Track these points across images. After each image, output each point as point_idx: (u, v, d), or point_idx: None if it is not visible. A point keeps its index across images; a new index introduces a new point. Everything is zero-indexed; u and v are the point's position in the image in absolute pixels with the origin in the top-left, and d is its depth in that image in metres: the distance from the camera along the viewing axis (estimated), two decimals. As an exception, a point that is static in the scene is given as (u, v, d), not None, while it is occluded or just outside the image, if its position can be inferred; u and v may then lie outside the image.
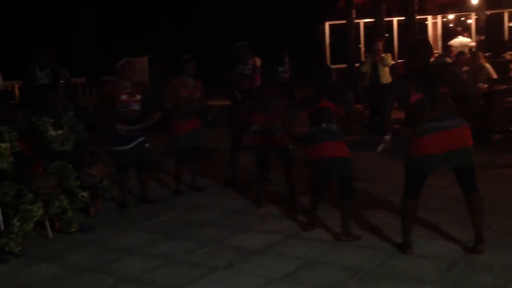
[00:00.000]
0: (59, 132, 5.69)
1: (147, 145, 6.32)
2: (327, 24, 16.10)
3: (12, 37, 19.61)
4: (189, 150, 6.75)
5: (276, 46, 16.01)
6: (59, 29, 18.57)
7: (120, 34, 21.12)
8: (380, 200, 5.97)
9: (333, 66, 15.69)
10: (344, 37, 14.78)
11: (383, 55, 10.31)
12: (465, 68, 9.20)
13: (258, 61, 12.31)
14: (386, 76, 10.31)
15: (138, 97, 6.20)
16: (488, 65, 9.11)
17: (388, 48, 14.13)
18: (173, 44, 21.12)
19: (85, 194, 5.50)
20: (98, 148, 6.56)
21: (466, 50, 11.94)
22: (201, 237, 5.23)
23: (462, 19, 16.58)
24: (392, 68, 11.16)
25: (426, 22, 16.03)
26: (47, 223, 5.27)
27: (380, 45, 10.42)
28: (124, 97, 6.11)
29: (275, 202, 6.26)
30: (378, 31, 12.64)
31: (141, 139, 6.24)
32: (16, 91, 11.38)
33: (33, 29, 19.58)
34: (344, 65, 14.33)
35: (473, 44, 13.61)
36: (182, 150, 6.71)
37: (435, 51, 14.28)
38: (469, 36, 14.31)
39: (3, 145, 5.09)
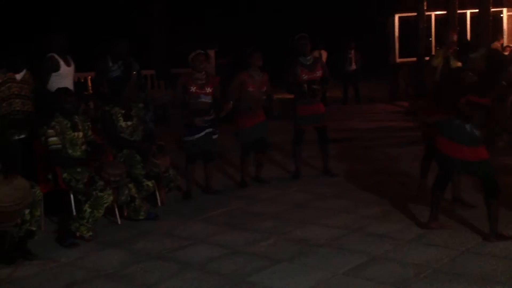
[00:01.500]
0: (129, 123, 5.87)
1: (214, 137, 6.39)
2: (396, 16, 15.75)
3: (87, 29, 20.29)
4: (254, 143, 6.79)
5: (344, 39, 15.85)
6: (132, 23, 19.04)
7: (188, 27, 21.44)
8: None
9: (402, 60, 15.45)
10: (414, 29, 14.39)
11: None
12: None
13: (324, 54, 12.15)
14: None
15: (209, 89, 6.25)
16: None
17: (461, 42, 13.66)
18: (238, 36, 21.26)
19: (150, 183, 5.64)
20: (165, 139, 6.68)
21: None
22: (265, 229, 5.25)
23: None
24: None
25: (501, 15, 15.38)
26: (116, 210, 5.44)
27: (453, 37, 10.06)
28: (194, 88, 6.19)
29: (339, 196, 6.22)
30: (450, 23, 12.22)
31: (209, 130, 6.32)
32: (89, 82, 11.80)
33: (107, 22, 20.17)
34: (413, 59, 13.97)
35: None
36: (247, 143, 6.76)
37: (509, 45, 13.68)
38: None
39: (77, 134, 5.30)
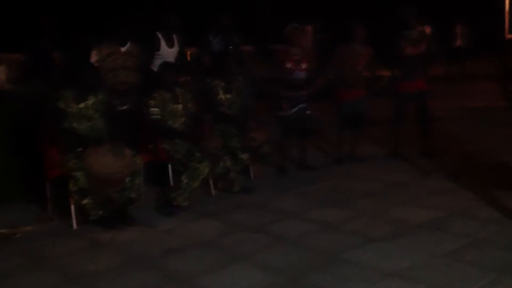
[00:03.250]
0: (228, 96, 5.93)
1: (308, 112, 6.32)
2: (509, -11, 14.71)
3: (190, 5, 20.69)
4: (351, 118, 6.65)
5: (450, 14, 15.07)
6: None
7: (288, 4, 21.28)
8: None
9: (513, 36, 14.43)
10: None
11: None
12: None
13: (427, 29, 11.72)
14: None
15: (304, 65, 6.19)
16: None
17: None
18: (339, 11, 20.80)
19: (245, 156, 5.67)
20: (262, 114, 6.70)
21: None
22: (359, 207, 5.13)
23: None
24: None
25: None
26: (211, 182, 5.54)
27: None
28: (289, 64, 6.15)
29: (440, 177, 5.96)
30: None
31: (303, 105, 6.26)
32: (188, 57, 12.05)
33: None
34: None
35: None
36: (345, 118, 6.63)
37: None
38: None
39: (177, 106, 5.42)
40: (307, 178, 6.14)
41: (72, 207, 4.72)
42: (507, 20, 14.76)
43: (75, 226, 4.74)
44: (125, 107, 5.91)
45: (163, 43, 6.46)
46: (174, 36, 6.55)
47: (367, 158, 6.85)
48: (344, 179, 6.09)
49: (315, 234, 4.51)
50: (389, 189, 5.67)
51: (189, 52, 11.90)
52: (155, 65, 6.07)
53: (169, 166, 5.33)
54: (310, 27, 16.97)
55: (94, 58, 5.86)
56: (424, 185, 5.73)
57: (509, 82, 13.15)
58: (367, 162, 6.74)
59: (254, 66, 14.41)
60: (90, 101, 4.90)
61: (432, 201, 5.21)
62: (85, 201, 4.66)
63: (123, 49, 5.98)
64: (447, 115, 9.53)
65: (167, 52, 6.45)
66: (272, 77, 6.45)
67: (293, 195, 5.56)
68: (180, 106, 5.42)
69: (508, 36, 14.63)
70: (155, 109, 5.25)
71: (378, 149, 7.33)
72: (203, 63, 7.11)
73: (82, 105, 4.85)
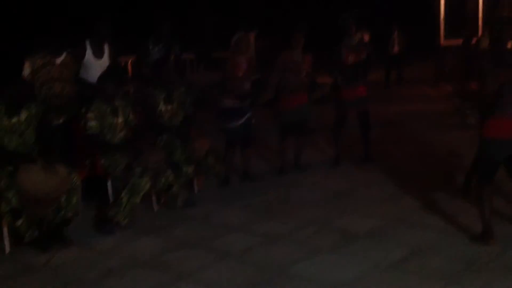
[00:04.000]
0: (169, 107, 5.77)
1: (253, 121, 6.26)
2: (442, -4, 15.19)
3: (126, 12, 20.32)
4: (294, 127, 6.63)
5: (387, 20, 15.38)
6: (178, 5, 19.00)
7: (231, 10, 21.26)
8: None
9: (447, 42, 14.91)
10: (461, 10, 13.85)
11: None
12: None
13: (366, 36, 11.88)
14: None
15: (250, 73, 6.14)
16: None
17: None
18: (280, 18, 20.94)
19: (189, 168, 5.54)
20: (205, 124, 6.59)
21: None
22: (304, 217, 5.10)
23: None
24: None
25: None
26: (153, 197, 5.37)
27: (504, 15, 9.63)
28: (238, 73, 6.08)
29: (381, 184, 6.01)
30: (500, 1, 11.70)
31: (249, 115, 6.19)
32: (129, 66, 11.80)
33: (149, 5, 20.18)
34: (460, 41, 13.46)
35: None
36: (287, 126, 6.60)
37: None
38: None
39: (116, 119, 5.22)
40: (252, 189, 6.07)
41: (5, 229, 4.45)
42: (442, 27, 15.24)
43: (7, 249, 4.47)
44: (61, 121, 5.67)
45: (89, 53, 5.97)
46: (106, 45, 6.08)
47: (311, 166, 6.84)
48: (288, 188, 6.05)
49: (260, 248, 4.44)
50: (333, 198, 5.67)
51: (130, 61, 11.68)
52: (82, 74, 5.82)
53: (109, 182, 5.14)
54: (252, 34, 16.98)
55: (27, 70, 5.57)
56: (367, 193, 5.77)
57: (444, 86, 13.54)
58: (311, 170, 6.73)
59: (196, 74, 14.31)
60: (23, 115, 4.65)
61: (375, 209, 5.24)
62: (18, 222, 4.41)
63: (58, 60, 5.72)
64: (388, 119, 9.69)
65: (92, 63, 5.93)
66: (216, 86, 6.35)
67: (237, 207, 5.47)
68: (120, 119, 5.22)
69: (444, 42, 15.10)
70: (93, 123, 5.04)
71: (322, 156, 7.35)
72: (142, 73, 6.91)
73: (14, 119, 4.60)
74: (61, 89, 5.68)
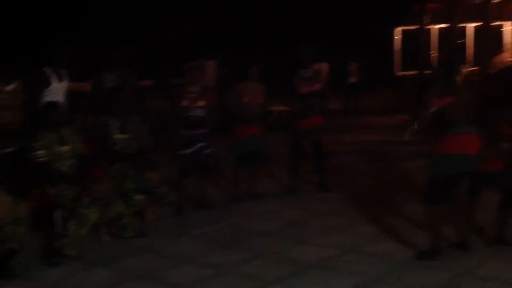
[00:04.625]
0: (124, 136, 5.73)
1: (207, 151, 6.26)
2: (398, 29, 15.63)
3: (90, 41, 20.25)
4: (249, 156, 6.66)
5: (346, 52, 15.74)
6: (137, 33, 19.01)
7: (189, 38, 21.40)
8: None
9: (403, 73, 15.30)
10: (416, 43, 14.27)
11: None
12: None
13: (325, 66, 12.11)
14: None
15: (202, 103, 6.17)
16: None
17: (463, 55, 13.53)
18: (242, 47, 21.17)
19: (140, 197, 5.49)
20: (162, 152, 6.56)
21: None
22: (256, 247, 5.10)
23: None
24: (466, 77, 10.62)
25: (501, 29, 15.22)
26: (103, 228, 5.29)
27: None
28: (187, 102, 6.11)
29: (334, 213, 6.07)
30: (452, 37, 12.11)
31: (202, 144, 6.20)
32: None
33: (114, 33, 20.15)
34: (415, 72, 13.85)
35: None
36: (242, 155, 6.64)
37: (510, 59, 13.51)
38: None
39: (64, 148, 5.16)
40: (205, 218, 6.04)
41: None
42: (397, 58, 15.66)
43: None
44: (10, 150, 5.55)
45: (54, 78, 6.13)
46: (64, 70, 6.21)
47: (265, 195, 6.86)
48: (242, 218, 6.05)
49: (211, 279, 4.41)
50: (286, 227, 5.69)
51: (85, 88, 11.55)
52: (47, 100, 5.77)
53: (57, 211, 5.04)
54: (213, 62, 17.13)
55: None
56: (321, 222, 5.81)
57: (401, 116, 13.84)
58: (265, 199, 6.75)
59: (154, 101, 14.23)
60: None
61: (328, 238, 5.27)
62: (-40, 254, 4.28)
63: (8, 88, 5.63)
64: (344, 149, 9.83)
65: (58, 87, 6.07)
66: (170, 114, 6.37)
67: (190, 237, 5.43)
68: (66, 148, 5.15)
69: (400, 73, 15.50)
70: (40, 152, 4.96)
71: (277, 185, 7.39)
72: (96, 101, 6.85)
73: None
74: (11, 118, 5.59)
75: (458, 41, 13.78)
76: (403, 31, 15.70)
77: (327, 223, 5.78)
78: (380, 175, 7.88)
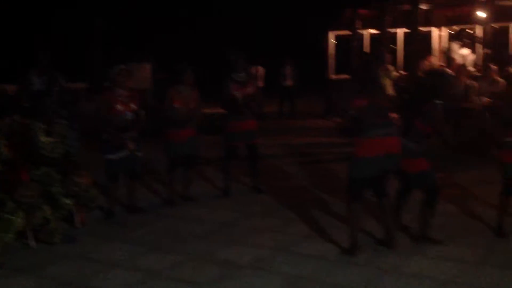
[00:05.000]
0: (50, 139, 5.57)
1: (139, 154, 6.19)
2: (331, 34, 15.97)
3: (16, 43, 19.61)
4: (182, 158, 6.63)
5: (281, 55, 15.94)
6: (68, 35, 18.60)
7: (125, 40, 21.13)
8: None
9: (336, 77, 15.64)
10: (348, 47, 14.63)
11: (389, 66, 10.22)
12: (466, 80, 9.22)
13: (261, 70, 12.16)
14: (388, 89, 10.16)
15: (132, 106, 6.08)
16: (500, 79, 9.15)
17: (393, 59, 13.96)
18: (179, 51, 21.07)
19: (68, 201, 5.35)
20: (92, 156, 6.42)
21: (468, 63, 11.80)
22: (189, 250, 5.07)
23: (468, 31, 16.33)
24: (395, 80, 11.02)
25: (429, 35, 15.82)
26: (29, 233, 5.11)
27: (387, 56, 10.33)
28: (117, 106, 6.00)
29: (267, 214, 6.12)
30: (382, 42, 12.49)
31: (132, 147, 6.11)
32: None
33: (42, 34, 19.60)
34: (348, 76, 14.16)
35: (473, 57, 13.35)
36: (175, 158, 6.60)
37: (440, 63, 14.08)
38: (472, 48, 14.06)
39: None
40: (137, 222, 5.96)
41: None
42: (332, 62, 15.99)
43: None
44: None
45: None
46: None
47: (199, 197, 6.84)
48: (175, 221, 6.00)
49: (141, 284, 4.34)
50: (219, 229, 5.69)
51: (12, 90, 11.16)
52: None
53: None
54: (148, 66, 16.93)
55: None
56: (254, 223, 5.84)
57: (334, 119, 14.11)
58: (199, 201, 6.73)
59: (86, 104, 13.93)
60: None
61: (259, 239, 5.31)
62: None
63: None
64: (277, 152, 9.94)
65: None
66: (100, 118, 6.23)
67: (120, 242, 5.34)
68: (-10, 152, 4.96)
69: (333, 76, 15.83)
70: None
71: (211, 187, 7.38)
72: (22, 104, 6.64)
73: None
74: None
75: (391, 46, 14.23)
76: (336, 35, 16.05)
77: (260, 224, 5.83)
78: (312, 176, 8.01)
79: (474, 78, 9.51)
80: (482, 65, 11.22)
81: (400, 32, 15.22)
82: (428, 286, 4.16)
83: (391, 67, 10.35)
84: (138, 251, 5.08)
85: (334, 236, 5.26)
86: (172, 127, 6.54)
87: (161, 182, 7.35)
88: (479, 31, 15.22)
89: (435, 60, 15.04)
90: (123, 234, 5.55)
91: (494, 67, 9.69)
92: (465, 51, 12.99)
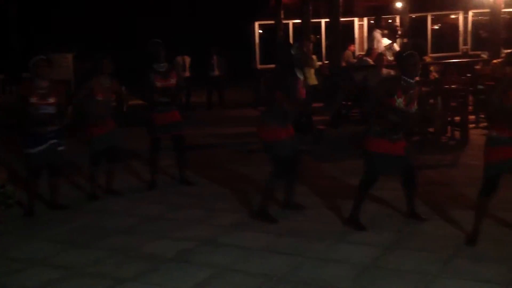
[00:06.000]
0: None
1: (60, 148, 5.98)
2: (256, 24, 16.04)
3: None
4: (104, 152, 6.48)
5: (207, 45, 15.86)
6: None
7: (46, 30, 20.39)
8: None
9: (262, 66, 15.77)
10: (273, 37, 14.76)
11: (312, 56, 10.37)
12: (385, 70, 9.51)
13: (187, 60, 12.06)
14: (312, 78, 10.34)
15: (52, 99, 5.83)
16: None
17: (316, 49, 14.21)
18: (102, 40, 20.56)
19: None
20: (10, 150, 6.16)
21: (388, 52, 12.19)
22: (112, 245, 4.97)
23: (389, 21, 16.88)
24: (318, 69, 11.23)
25: (351, 24, 16.23)
26: None
27: (309, 46, 10.44)
28: (35, 99, 5.74)
29: (194, 206, 6.10)
30: (305, 32, 12.66)
31: (53, 141, 5.90)
32: None
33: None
34: (273, 65, 14.29)
35: (393, 45, 13.80)
36: (97, 152, 6.44)
37: (360, 53, 14.47)
38: (393, 38, 14.53)
39: None
40: (58, 218, 5.79)
41: None
42: (258, 51, 16.08)
43: None
44: None
45: None
46: None
47: (124, 191, 6.71)
48: (98, 216, 5.87)
49: (60, 281, 4.23)
50: (144, 223, 5.61)
51: None
52: None
53: None
54: (70, 55, 16.42)
55: None
56: (180, 216, 5.80)
57: (262, 108, 14.20)
58: (124, 195, 6.61)
59: (3, 96, 13.37)
60: None
61: (185, 231, 5.28)
62: None
63: None
64: (206, 142, 9.90)
65: None
66: (18, 110, 5.96)
67: (40, 239, 5.17)
68: None
69: (260, 66, 15.93)
70: None
71: (136, 181, 7.27)
72: None
73: None
74: None
75: (314, 36, 14.45)
76: (262, 25, 16.15)
77: (186, 216, 5.79)
78: (242, 166, 8.01)
79: (393, 67, 9.80)
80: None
81: (323, 22, 15.53)
82: (348, 271, 4.26)
83: (314, 57, 10.51)
84: (59, 248, 4.94)
85: (261, 225, 5.31)
86: (93, 120, 6.38)
87: (84, 177, 7.16)
88: (398, 21, 15.75)
89: (355, 49, 15.44)
90: (43, 231, 5.39)
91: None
92: (386, 41, 13.42)
